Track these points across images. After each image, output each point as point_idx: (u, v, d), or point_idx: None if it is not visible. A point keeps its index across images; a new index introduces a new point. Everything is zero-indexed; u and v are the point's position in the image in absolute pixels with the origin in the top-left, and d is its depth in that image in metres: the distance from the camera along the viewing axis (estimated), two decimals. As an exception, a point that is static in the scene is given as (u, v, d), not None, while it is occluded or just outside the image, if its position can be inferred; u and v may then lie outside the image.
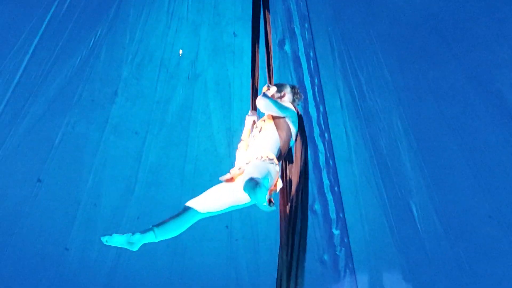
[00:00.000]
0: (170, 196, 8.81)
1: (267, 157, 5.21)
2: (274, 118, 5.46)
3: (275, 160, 5.25)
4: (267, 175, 5.05)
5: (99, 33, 8.46)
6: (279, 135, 5.39)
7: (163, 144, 8.88)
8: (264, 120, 5.54)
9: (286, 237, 5.07)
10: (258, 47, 6.21)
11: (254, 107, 5.80)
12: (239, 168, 5.28)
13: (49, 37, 8.03)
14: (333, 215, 8.97)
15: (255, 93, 5.92)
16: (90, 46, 8.43)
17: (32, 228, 8.35)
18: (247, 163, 5.23)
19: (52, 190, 8.43)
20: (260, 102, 5.43)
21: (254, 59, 6.14)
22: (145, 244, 8.76)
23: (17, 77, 7.94)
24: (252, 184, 4.68)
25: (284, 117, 5.43)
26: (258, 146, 5.36)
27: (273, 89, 5.63)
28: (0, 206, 8.29)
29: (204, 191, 5.52)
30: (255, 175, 4.85)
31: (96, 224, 8.67)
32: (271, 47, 6.14)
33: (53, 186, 8.43)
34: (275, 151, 5.34)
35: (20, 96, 8.03)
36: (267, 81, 5.85)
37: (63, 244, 8.52)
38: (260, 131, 5.48)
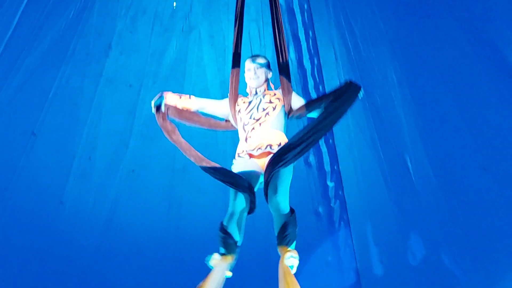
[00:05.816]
0: (165, 149, 8.82)
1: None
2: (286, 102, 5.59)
3: None
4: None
5: (93, -15, 8.45)
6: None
7: (158, 97, 8.88)
8: (272, 102, 5.62)
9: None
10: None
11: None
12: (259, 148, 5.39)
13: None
14: (327, 168, 9.01)
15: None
16: (84, -1, 8.42)
17: (27, 181, 8.38)
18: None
19: (47, 143, 8.46)
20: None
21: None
22: (139, 196, 8.86)
23: (11, 31, 7.89)
24: None
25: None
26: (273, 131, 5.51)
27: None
28: (-5, 160, 8.33)
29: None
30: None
31: (91, 178, 8.73)
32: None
33: (48, 140, 8.46)
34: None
35: (14, 50, 7.98)
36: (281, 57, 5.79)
37: (58, 198, 8.59)
38: (268, 114, 5.56)
